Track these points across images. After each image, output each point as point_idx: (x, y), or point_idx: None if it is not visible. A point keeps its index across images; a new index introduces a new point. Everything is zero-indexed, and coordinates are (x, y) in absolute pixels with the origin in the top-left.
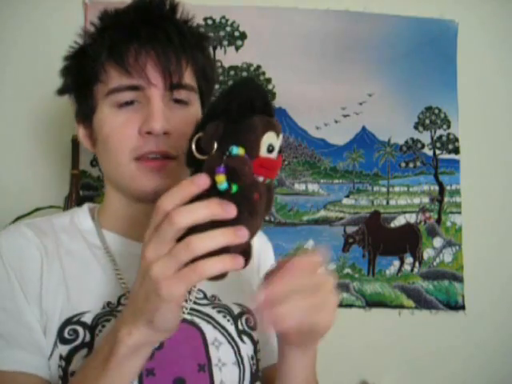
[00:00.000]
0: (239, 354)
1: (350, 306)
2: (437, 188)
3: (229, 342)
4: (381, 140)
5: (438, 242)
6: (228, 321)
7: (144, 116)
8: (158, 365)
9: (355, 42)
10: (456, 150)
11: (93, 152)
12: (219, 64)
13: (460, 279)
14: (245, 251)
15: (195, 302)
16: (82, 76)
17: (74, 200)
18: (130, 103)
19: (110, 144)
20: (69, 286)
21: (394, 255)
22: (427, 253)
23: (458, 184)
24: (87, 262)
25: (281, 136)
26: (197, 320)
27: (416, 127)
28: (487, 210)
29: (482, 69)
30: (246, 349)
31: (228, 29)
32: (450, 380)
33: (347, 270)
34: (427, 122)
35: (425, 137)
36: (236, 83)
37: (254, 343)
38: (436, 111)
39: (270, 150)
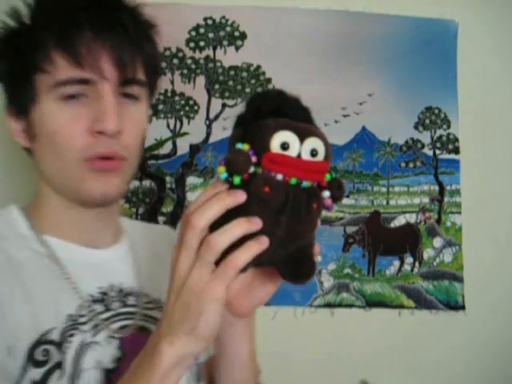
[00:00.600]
0: None
1: (350, 305)
2: (437, 188)
3: None
4: (381, 140)
5: (437, 241)
6: None
7: (94, 112)
8: None
9: (355, 42)
10: (456, 150)
11: (27, 148)
12: (219, 64)
13: (460, 279)
14: (304, 259)
15: (144, 308)
16: (18, 63)
17: None
18: (76, 96)
19: (57, 142)
20: (31, 302)
21: (394, 255)
22: (427, 253)
23: (458, 184)
24: (39, 272)
25: (312, 139)
26: (149, 326)
27: (416, 127)
28: (487, 210)
29: (482, 69)
30: None
31: (228, 29)
32: (451, 380)
33: (347, 270)
34: (427, 121)
35: (425, 137)
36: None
37: None
38: (436, 111)
39: (285, 147)
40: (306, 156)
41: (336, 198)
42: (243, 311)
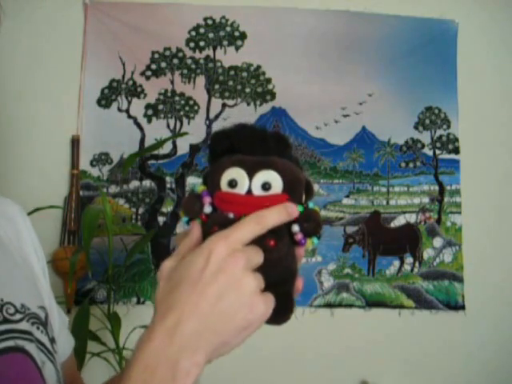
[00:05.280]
0: (57, 368)
1: (350, 306)
2: (437, 188)
3: (49, 359)
4: (381, 140)
5: (437, 241)
6: (42, 332)
7: None
8: None
9: (355, 41)
10: (456, 150)
11: None
12: (219, 64)
13: (460, 279)
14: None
15: (8, 320)
16: None
17: (73, 200)
18: None
19: None
20: None
21: (394, 255)
22: (427, 253)
23: (458, 184)
24: None
25: (263, 173)
26: (21, 343)
27: (416, 127)
28: (487, 210)
29: (482, 69)
30: (58, 359)
31: (228, 29)
32: (450, 379)
33: (347, 270)
34: (427, 122)
35: (425, 137)
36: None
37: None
38: (436, 111)
39: (233, 184)
40: (256, 191)
41: (309, 232)
42: None
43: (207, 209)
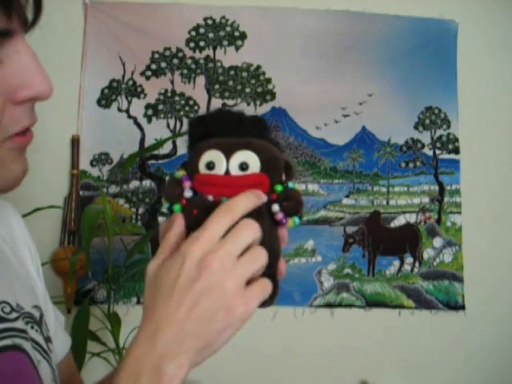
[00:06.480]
0: (52, 367)
1: (350, 306)
2: (437, 188)
3: (44, 358)
4: (381, 140)
5: (437, 241)
6: (36, 331)
7: (6, 77)
8: None
9: (355, 41)
10: (456, 150)
11: None
12: (219, 64)
13: (460, 279)
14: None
15: (5, 319)
16: None
17: (73, 200)
18: None
19: None
20: None
21: (394, 255)
22: (427, 253)
23: (458, 184)
24: None
25: (240, 153)
26: (19, 342)
27: (416, 127)
28: (487, 210)
29: (482, 69)
30: (53, 358)
31: (228, 29)
32: (450, 379)
33: (347, 270)
34: (427, 121)
35: (425, 137)
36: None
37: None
38: (436, 111)
39: (211, 166)
40: (234, 172)
41: (289, 211)
42: None
43: (187, 193)
